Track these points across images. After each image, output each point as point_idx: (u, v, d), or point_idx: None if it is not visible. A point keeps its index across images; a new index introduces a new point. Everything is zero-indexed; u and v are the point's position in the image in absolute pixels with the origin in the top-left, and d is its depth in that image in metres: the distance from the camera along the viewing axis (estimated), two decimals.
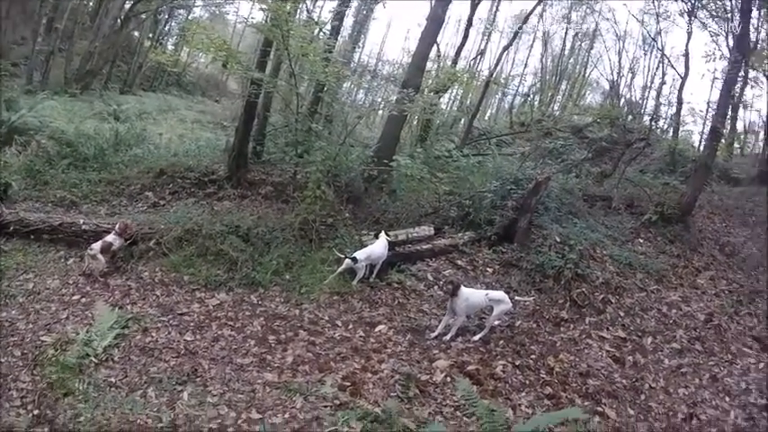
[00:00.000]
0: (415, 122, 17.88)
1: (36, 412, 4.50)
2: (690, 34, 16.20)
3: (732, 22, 13.86)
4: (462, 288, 6.65)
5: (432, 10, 11.62)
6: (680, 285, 8.98)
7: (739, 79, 14.32)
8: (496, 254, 8.71)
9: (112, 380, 5.01)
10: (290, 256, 7.83)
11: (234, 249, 7.57)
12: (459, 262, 8.52)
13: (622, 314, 7.80)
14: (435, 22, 11.78)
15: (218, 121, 19.71)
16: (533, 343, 6.77)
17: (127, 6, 21.68)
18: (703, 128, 17.85)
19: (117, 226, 7.32)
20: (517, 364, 6.21)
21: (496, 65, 20.66)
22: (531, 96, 25.49)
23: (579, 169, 13.45)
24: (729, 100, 13.50)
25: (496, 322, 6.83)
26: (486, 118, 26.74)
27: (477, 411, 4.94)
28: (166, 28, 26.86)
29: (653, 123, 15.82)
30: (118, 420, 4.47)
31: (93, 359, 5.22)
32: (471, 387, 5.33)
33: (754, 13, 14.05)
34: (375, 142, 11.58)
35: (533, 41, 25.75)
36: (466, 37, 17.95)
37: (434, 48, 14.87)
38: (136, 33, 24.22)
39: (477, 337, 6.60)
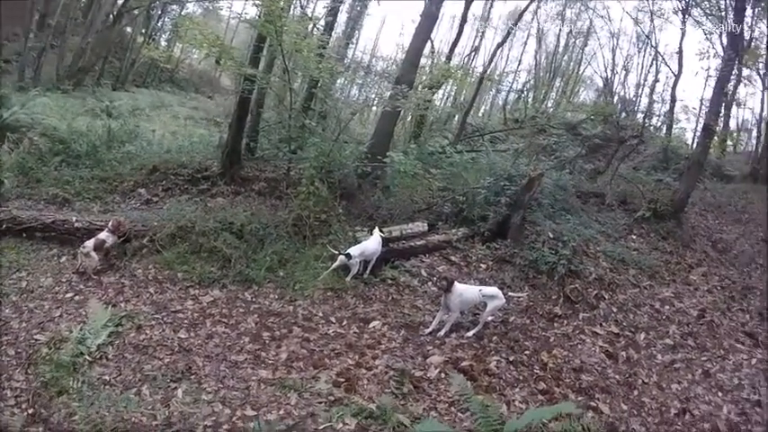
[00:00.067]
0: (408, 119, 17.85)
1: (30, 411, 4.49)
2: (684, 32, 16.26)
3: (726, 20, 13.89)
4: (456, 284, 6.67)
5: (426, 6, 11.59)
6: (673, 281, 9.03)
7: (732, 77, 14.36)
8: (490, 250, 8.74)
9: (107, 378, 5.01)
10: (284, 253, 7.82)
11: (227, 246, 7.56)
12: (452, 258, 8.54)
13: (615, 310, 7.84)
14: (429, 19, 11.77)
15: (211, 117, 19.60)
16: (527, 339, 6.80)
17: (119, 2, 21.57)
18: (696, 125, 17.91)
19: (110, 223, 7.29)
20: (511, 359, 6.24)
21: (490, 61, 20.64)
22: (525, 93, 25.43)
23: (573, 166, 13.45)
24: (722, 98, 13.59)
25: (490, 318, 6.86)
26: (480, 114, 26.72)
27: (472, 407, 4.98)
28: (159, 24, 26.68)
29: (646, 120, 15.81)
30: (112, 419, 4.46)
31: (87, 357, 5.20)
32: (465, 383, 5.38)
33: (748, 12, 14.15)
34: (369, 138, 11.56)
35: (527, 38, 25.79)
36: (460, 33, 17.95)
37: (428, 44, 14.86)
38: (128, 29, 24.06)
39: (470, 333, 6.62)
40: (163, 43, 27.00)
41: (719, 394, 6.26)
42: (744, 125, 22.08)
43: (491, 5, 22.82)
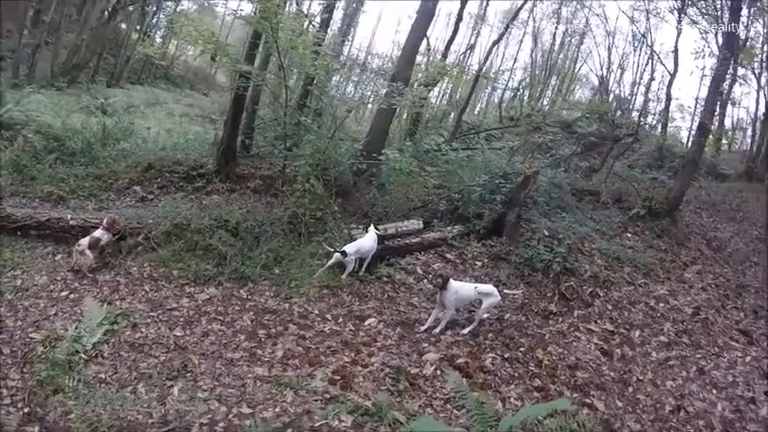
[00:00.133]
0: (404, 116, 17.86)
1: (26, 410, 4.47)
2: (679, 31, 16.34)
3: (722, 19, 13.95)
4: (451, 281, 6.67)
5: (422, 3, 11.60)
6: (667, 279, 9.07)
7: (728, 76, 14.43)
8: (485, 247, 8.74)
9: (102, 376, 4.99)
10: (280, 250, 7.81)
11: (223, 244, 7.54)
12: (448, 255, 8.54)
13: (610, 307, 7.86)
14: (425, 16, 11.78)
15: (206, 114, 19.53)
16: (522, 336, 6.82)
17: None
18: (691, 124, 18.07)
19: (104, 221, 7.27)
20: (506, 356, 6.25)
21: (486, 59, 20.67)
22: (521, 91, 25.57)
23: (568, 164, 13.50)
24: (717, 97, 13.62)
25: (485, 315, 6.87)
26: (476, 112, 26.78)
27: (467, 404, 4.99)
28: (154, 20, 26.50)
29: (641, 119, 15.93)
30: (108, 417, 4.45)
31: (83, 356, 5.19)
32: (461, 380, 5.39)
33: (744, 11, 14.20)
34: (364, 136, 11.56)
35: (523, 36, 25.86)
36: (456, 31, 17.97)
37: (424, 41, 14.87)
38: (123, 26, 23.88)
39: (466, 331, 6.64)
40: (158, 40, 26.83)
41: (714, 391, 6.29)
42: (739, 124, 22.32)
43: (487, 3, 22.81)
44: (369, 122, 14.16)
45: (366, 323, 6.63)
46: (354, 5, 22.65)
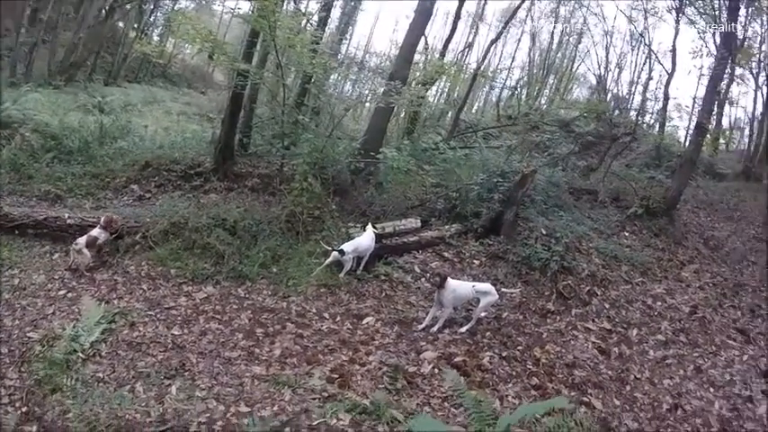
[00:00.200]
0: (402, 115, 17.83)
1: (24, 409, 4.47)
2: (677, 31, 16.36)
3: (720, 19, 13.96)
4: (449, 280, 6.68)
5: (420, 3, 11.59)
6: (665, 278, 9.08)
7: (725, 76, 14.44)
8: (483, 246, 8.75)
9: (100, 375, 4.99)
10: (277, 249, 7.81)
11: (221, 242, 7.54)
12: (445, 254, 8.55)
13: (608, 306, 7.87)
14: (423, 15, 11.77)
15: (204, 112, 19.56)
16: (520, 334, 6.83)
17: None
18: (689, 123, 18.01)
19: (102, 220, 7.27)
20: (504, 355, 6.26)
21: (484, 58, 20.71)
22: (519, 90, 25.55)
23: (565, 163, 13.50)
24: (715, 96, 13.67)
25: (483, 314, 6.87)
26: (474, 111, 26.77)
27: (465, 402, 4.99)
28: (152, 18, 26.50)
29: (639, 118, 15.92)
30: (106, 416, 4.44)
31: (81, 355, 5.18)
32: (459, 378, 5.39)
33: (742, 11, 14.22)
34: (362, 134, 11.57)
35: (521, 35, 25.86)
36: (454, 29, 17.95)
37: (422, 40, 14.84)
38: (121, 24, 23.86)
39: (464, 329, 6.64)
40: (155, 38, 26.83)
41: (711, 390, 6.29)
42: (736, 123, 22.33)
43: (485, 2, 22.88)
44: (367, 121, 14.16)
45: (364, 322, 6.64)
46: (352, 4, 22.67)
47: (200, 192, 9.51)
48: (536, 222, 9.09)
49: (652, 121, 17.98)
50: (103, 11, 21.06)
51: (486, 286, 6.88)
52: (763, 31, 17.11)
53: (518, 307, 7.48)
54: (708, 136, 14.28)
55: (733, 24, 12.52)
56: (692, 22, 15.97)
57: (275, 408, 4.81)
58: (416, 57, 13.87)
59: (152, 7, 25.45)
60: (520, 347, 6.50)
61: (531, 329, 7.02)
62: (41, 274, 6.68)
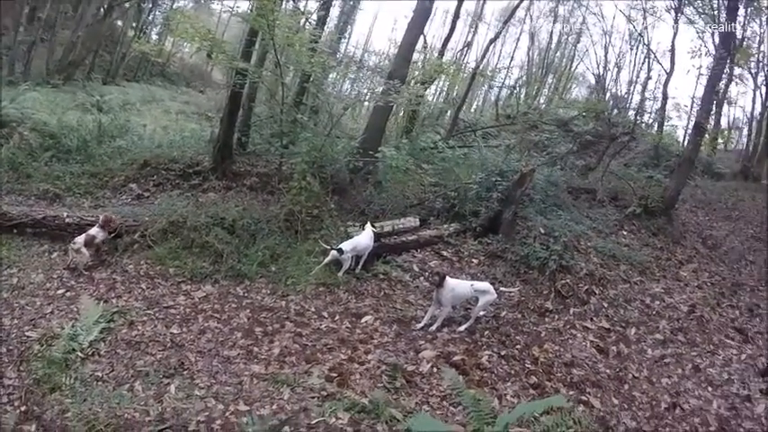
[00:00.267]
0: (400, 114, 17.81)
1: (23, 408, 4.48)
2: (676, 30, 16.36)
3: (718, 19, 13.97)
4: (448, 279, 6.68)
5: (419, 2, 11.57)
6: (663, 277, 9.09)
7: (724, 76, 14.45)
8: (482, 245, 8.76)
9: (99, 374, 5.00)
10: (276, 248, 7.81)
11: (219, 241, 7.55)
12: (444, 253, 8.56)
13: (606, 305, 7.88)
14: (422, 14, 11.75)
15: (202, 111, 19.52)
16: (518, 333, 6.83)
17: None
18: (688, 123, 17.95)
19: (100, 219, 7.27)
20: (502, 354, 6.26)
21: (483, 57, 20.68)
22: (518, 89, 25.54)
23: (564, 162, 13.50)
24: (714, 96, 13.68)
25: (482, 313, 6.88)
26: (473, 110, 26.78)
27: (464, 401, 5.00)
28: (150, 17, 26.38)
29: (638, 118, 15.88)
30: (105, 415, 4.45)
31: (80, 354, 5.19)
32: (457, 377, 5.39)
33: (741, 11, 14.22)
34: (361, 133, 11.55)
35: (520, 34, 25.88)
36: (453, 29, 17.95)
37: (421, 39, 14.85)
38: (119, 23, 23.78)
39: (462, 328, 6.65)
40: (154, 37, 26.71)
41: (709, 389, 6.31)
42: (735, 123, 22.37)
43: (484, 2, 22.86)
44: (365, 120, 14.11)
45: (363, 320, 6.64)
46: (351, 3, 22.64)
47: (198, 191, 9.51)
48: (534, 221, 9.10)
49: (651, 121, 17.97)
50: (102, 9, 20.99)
51: (485, 285, 6.88)
52: (762, 30, 17.15)
53: (516, 306, 7.48)
54: (706, 135, 14.25)
55: (732, 24, 12.52)
56: (691, 22, 15.95)
57: (274, 406, 4.82)
58: (415, 56, 13.84)
59: (150, 6, 25.36)
60: (518, 346, 6.51)
61: (530, 328, 7.02)
62: (40, 273, 6.68)
